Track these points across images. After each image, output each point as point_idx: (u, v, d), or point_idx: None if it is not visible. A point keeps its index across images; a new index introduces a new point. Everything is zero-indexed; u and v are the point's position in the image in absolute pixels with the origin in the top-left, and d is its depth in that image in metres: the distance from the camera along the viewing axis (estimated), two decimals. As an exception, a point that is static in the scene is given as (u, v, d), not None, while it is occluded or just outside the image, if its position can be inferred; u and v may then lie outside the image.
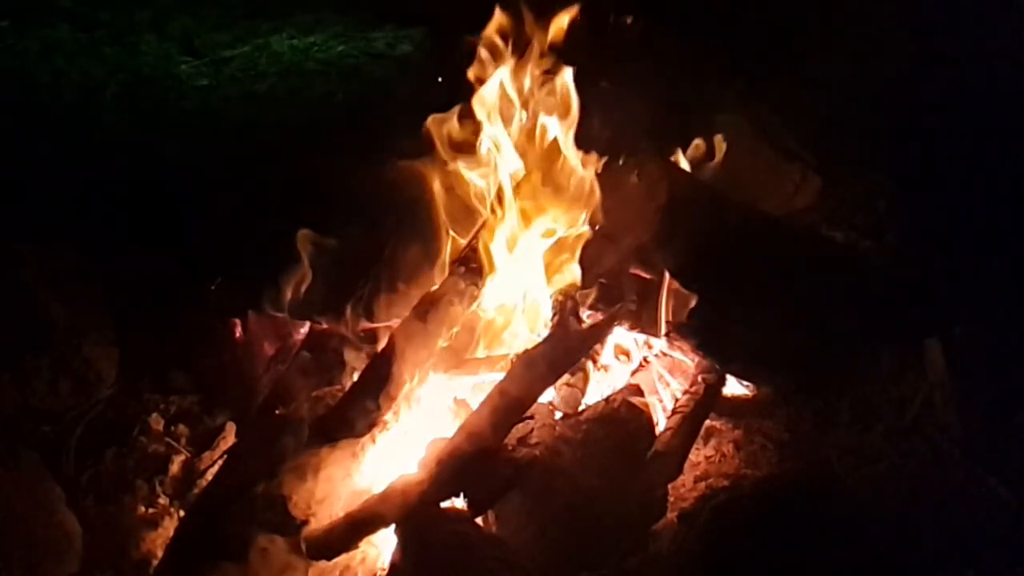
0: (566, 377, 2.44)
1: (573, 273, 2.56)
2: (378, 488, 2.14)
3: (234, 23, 3.18)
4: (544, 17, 2.57)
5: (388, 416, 2.29)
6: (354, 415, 2.22)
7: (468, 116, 2.58)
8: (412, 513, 2.07)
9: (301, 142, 3.07)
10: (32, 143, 3.07)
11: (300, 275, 2.51)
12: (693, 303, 2.53)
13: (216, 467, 2.48)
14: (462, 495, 2.13)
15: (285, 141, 3.08)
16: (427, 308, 2.37)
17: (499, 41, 2.57)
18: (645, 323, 2.61)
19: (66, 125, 3.15)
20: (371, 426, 2.23)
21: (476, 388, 2.50)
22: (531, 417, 2.30)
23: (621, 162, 2.68)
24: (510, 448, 2.23)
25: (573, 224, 2.59)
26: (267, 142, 3.09)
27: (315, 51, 3.25)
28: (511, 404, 2.21)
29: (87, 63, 3.27)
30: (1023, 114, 2.99)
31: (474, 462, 2.13)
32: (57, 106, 3.26)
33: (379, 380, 2.25)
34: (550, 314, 2.53)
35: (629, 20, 3.05)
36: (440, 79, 2.56)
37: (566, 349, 2.34)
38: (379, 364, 2.29)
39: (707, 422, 2.54)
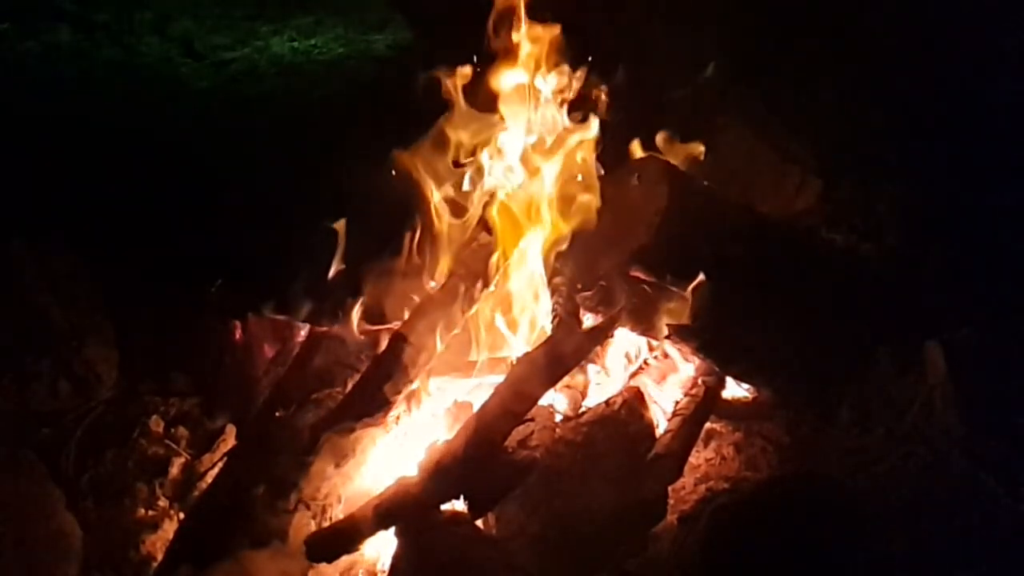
0: (566, 379, 2.44)
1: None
2: (378, 491, 2.14)
3: (234, 25, 3.17)
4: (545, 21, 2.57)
5: (389, 418, 2.29)
6: (365, 406, 2.22)
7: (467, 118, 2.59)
8: (413, 515, 2.07)
9: (301, 144, 3.07)
10: (32, 145, 3.06)
11: (307, 279, 2.51)
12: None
13: (216, 469, 2.49)
14: (462, 497, 2.13)
15: (285, 143, 3.08)
16: (429, 309, 2.38)
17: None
18: (646, 325, 2.61)
19: (66, 127, 3.14)
20: (383, 417, 2.24)
21: (476, 390, 2.51)
22: (531, 419, 2.30)
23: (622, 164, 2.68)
24: (510, 450, 2.23)
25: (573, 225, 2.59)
26: (267, 144, 3.09)
27: (316, 53, 3.25)
28: (511, 407, 2.21)
29: (87, 65, 3.26)
30: (1022, 115, 3.00)
31: (474, 464, 2.12)
32: (57, 108, 3.26)
33: (387, 374, 2.25)
34: (550, 316, 2.53)
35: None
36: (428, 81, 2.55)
37: (566, 351, 2.34)
38: (386, 359, 2.30)
39: (707, 424, 2.54)
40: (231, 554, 2.02)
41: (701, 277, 2.43)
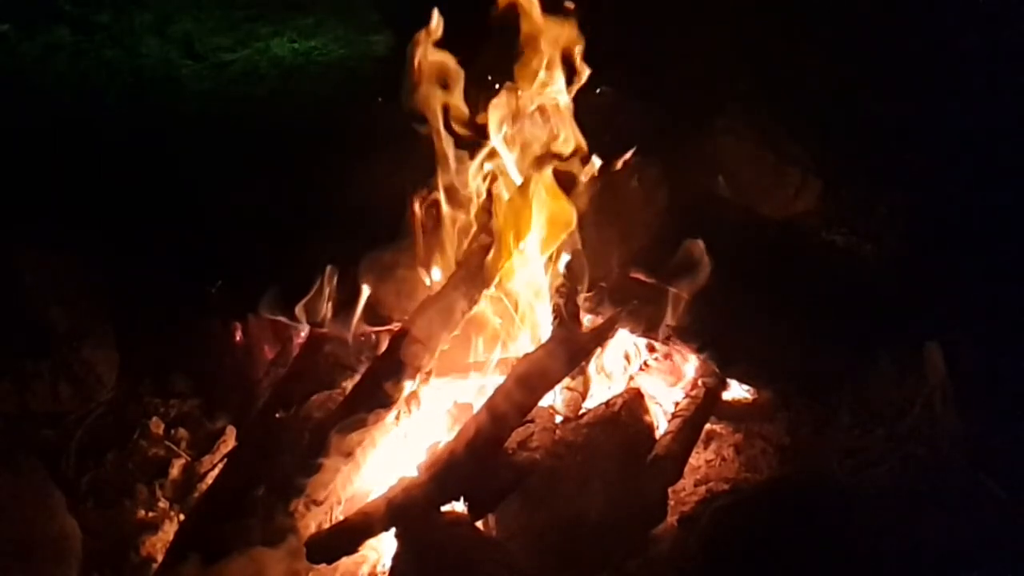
0: (567, 381, 2.44)
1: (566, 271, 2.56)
2: (379, 492, 2.14)
3: (235, 26, 3.19)
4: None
5: (389, 418, 2.29)
6: (368, 404, 2.22)
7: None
8: (413, 517, 2.07)
9: (302, 145, 3.07)
10: (32, 147, 3.07)
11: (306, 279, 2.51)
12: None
13: (216, 471, 2.49)
14: (462, 499, 2.13)
15: (286, 144, 3.09)
16: (430, 308, 2.37)
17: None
18: (646, 327, 2.61)
19: (66, 128, 3.15)
20: (386, 413, 2.24)
21: (477, 391, 2.51)
22: (532, 421, 2.30)
23: (621, 166, 2.68)
24: (510, 452, 2.23)
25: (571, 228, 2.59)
26: (268, 145, 3.09)
27: (316, 54, 3.26)
28: (512, 408, 2.21)
29: (88, 66, 3.27)
30: (1022, 118, 3.00)
31: (474, 466, 2.13)
32: (57, 109, 3.27)
33: (389, 372, 2.25)
34: (551, 318, 2.53)
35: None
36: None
37: (567, 352, 2.34)
38: (388, 359, 2.29)
39: (707, 426, 2.54)
40: (242, 550, 2.02)
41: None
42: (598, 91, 2.66)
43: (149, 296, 2.82)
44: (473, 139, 2.55)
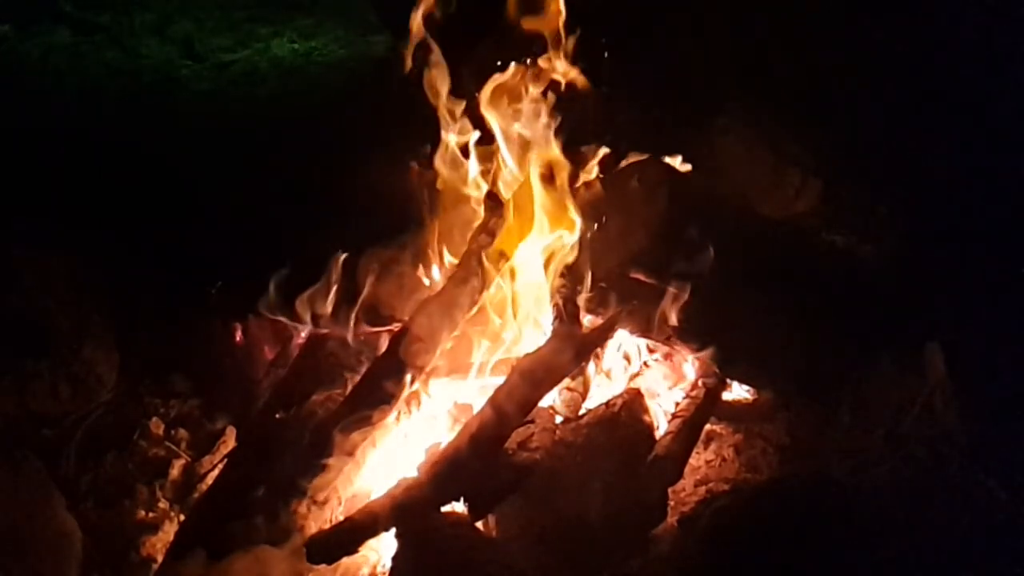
0: (567, 381, 2.44)
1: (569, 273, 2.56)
2: (379, 492, 2.14)
3: (235, 27, 3.20)
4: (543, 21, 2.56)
5: (389, 418, 2.29)
6: (370, 403, 2.22)
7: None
8: (413, 517, 2.07)
9: (302, 146, 3.07)
10: (33, 147, 3.07)
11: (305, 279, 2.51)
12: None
13: (216, 471, 2.49)
14: (462, 499, 2.13)
15: (286, 145, 3.09)
16: (431, 308, 2.37)
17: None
18: (646, 327, 2.60)
19: (66, 129, 3.15)
20: (388, 411, 2.23)
21: (476, 392, 2.50)
22: (532, 421, 2.30)
23: (621, 166, 2.68)
24: (511, 452, 2.23)
25: (572, 228, 2.59)
26: (268, 146, 3.09)
27: (316, 55, 3.27)
28: (512, 408, 2.21)
29: (88, 67, 3.28)
30: (1022, 118, 3.00)
31: (474, 466, 2.13)
32: (58, 110, 3.27)
33: (390, 372, 2.25)
34: (551, 318, 2.53)
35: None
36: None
37: (571, 349, 2.34)
38: (388, 358, 2.29)
39: (708, 426, 2.54)
40: (246, 548, 2.02)
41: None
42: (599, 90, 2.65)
43: (149, 296, 2.82)
44: (474, 113, 2.54)
